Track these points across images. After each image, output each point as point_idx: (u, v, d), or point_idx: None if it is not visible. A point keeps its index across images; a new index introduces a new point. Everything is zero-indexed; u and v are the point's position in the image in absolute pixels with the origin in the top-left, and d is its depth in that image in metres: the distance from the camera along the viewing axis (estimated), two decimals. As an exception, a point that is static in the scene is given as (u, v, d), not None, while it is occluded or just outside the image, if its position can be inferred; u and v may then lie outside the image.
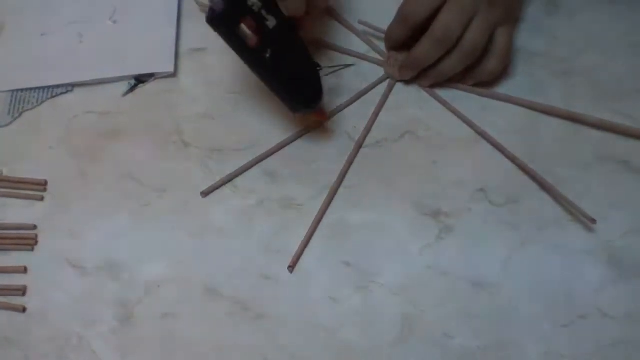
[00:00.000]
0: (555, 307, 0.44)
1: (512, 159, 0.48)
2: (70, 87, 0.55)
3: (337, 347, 0.44)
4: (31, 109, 0.54)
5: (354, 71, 0.53)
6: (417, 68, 0.50)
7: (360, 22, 0.54)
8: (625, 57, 0.51)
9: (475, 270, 0.45)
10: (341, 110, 0.51)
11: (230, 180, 0.50)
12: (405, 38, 0.50)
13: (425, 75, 0.50)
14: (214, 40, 0.55)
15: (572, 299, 0.44)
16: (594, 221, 0.44)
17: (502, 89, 0.51)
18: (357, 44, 0.54)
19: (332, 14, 0.55)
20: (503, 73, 0.50)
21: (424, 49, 0.48)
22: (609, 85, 0.50)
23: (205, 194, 0.49)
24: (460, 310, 0.44)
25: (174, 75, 0.54)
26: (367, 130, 0.50)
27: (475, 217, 0.47)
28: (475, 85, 0.50)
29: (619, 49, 0.51)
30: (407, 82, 0.52)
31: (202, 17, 0.56)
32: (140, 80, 0.54)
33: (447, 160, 0.49)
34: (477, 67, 0.49)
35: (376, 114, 0.51)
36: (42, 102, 0.54)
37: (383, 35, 0.52)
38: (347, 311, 0.45)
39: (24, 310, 0.47)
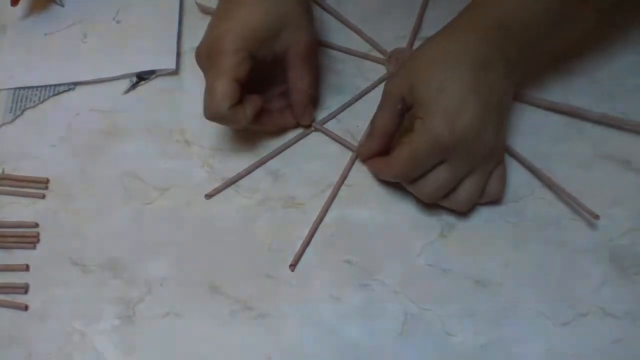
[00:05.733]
0: (556, 305, 0.44)
1: (515, 156, 0.48)
2: (72, 85, 0.55)
3: (339, 345, 0.44)
4: (33, 107, 0.54)
5: (356, 70, 0.53)
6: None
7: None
8: (624, 55, 0.51)
9: (477, 269, 0.45)
10: (343, 109, 0.52)
11: (234, 182, 0.50)
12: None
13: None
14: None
15: (573, 297, 0.44)
16: (597, 217, 0.44)
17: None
18: (359, 43, 0.54)
19: (333, 13, 0.55)
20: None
21: (408, 186, 0.45)
22: (610, 84, 0.50)
23: (209, 196, 0.49)
24: (462, 308, 0.45)
25: (176, 73, 0.54)
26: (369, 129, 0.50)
27: (477, 215, 0.47)
28: None
29: (620, 48, 0.51)
30: None
31: (203, 16, 0.57)
32: (142, 77, 0.54)
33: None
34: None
35: (378, 113, 0.51)
36: (44, 100, 0.54)
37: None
38: (349, 309, 0.45)
39: (26, 308, 0.47)
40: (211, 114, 0.45)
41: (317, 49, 0.48)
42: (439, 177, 0.43)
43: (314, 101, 0.51)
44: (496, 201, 0.47)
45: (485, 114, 0.41)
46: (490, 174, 0.44)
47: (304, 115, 0.50)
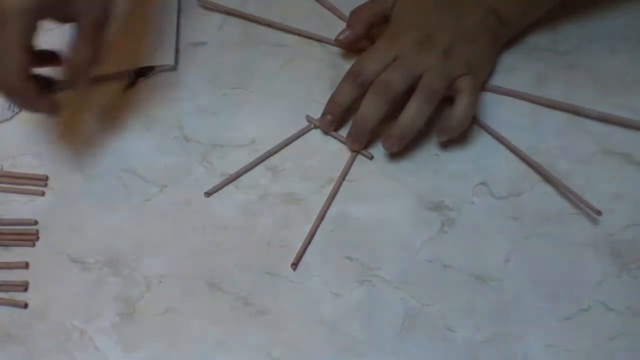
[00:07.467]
0: (557, 300, 0.44)
1: (515, 151, 0.48)
2: (70, 81, 0.55)
3: (340, 341, 0.44)
4: (31, 104, 0.54)
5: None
6: (365, 131, 0.48)
7: None
8: (626, 50, 0.51)
9: (478, 264, 0.45)
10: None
11: (234, 180, 0.49)
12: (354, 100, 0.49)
13: (387, 136, 0.47)
14: (214, 35, 0.55)
15: (574, 292, 0.44)
16: (599, 213, 0.44)
17: (505, 82, 0.51)
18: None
19: (325, 5, 0.55)
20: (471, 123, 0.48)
21: (367, 108, 0.46)
22: (611, 79, 0.50)
23: (209, 194, 0.49)
24: (463, 304, 0.44)
25: (174, 69, 0.54)
26: (369, 124, 0.50)
27: (477, 210, 0.47)
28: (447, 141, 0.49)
29: (620, 42, 0.51)
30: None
31: (202, 12, 0.57)
32: (141, 73, 0.54)
33: (449, 153, 0.49)
34: (445, 120, 0.47)
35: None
36: (43, 97, 0.54)
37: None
38: (350, 305, 0.45)
39: (25, 306, 0.47)
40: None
41: (106, 24, 0.45)
42: (388, 74, 0.46)
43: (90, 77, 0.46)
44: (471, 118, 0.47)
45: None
46: (452, 77, 0.46)
47: (74, 84, 0.46)
